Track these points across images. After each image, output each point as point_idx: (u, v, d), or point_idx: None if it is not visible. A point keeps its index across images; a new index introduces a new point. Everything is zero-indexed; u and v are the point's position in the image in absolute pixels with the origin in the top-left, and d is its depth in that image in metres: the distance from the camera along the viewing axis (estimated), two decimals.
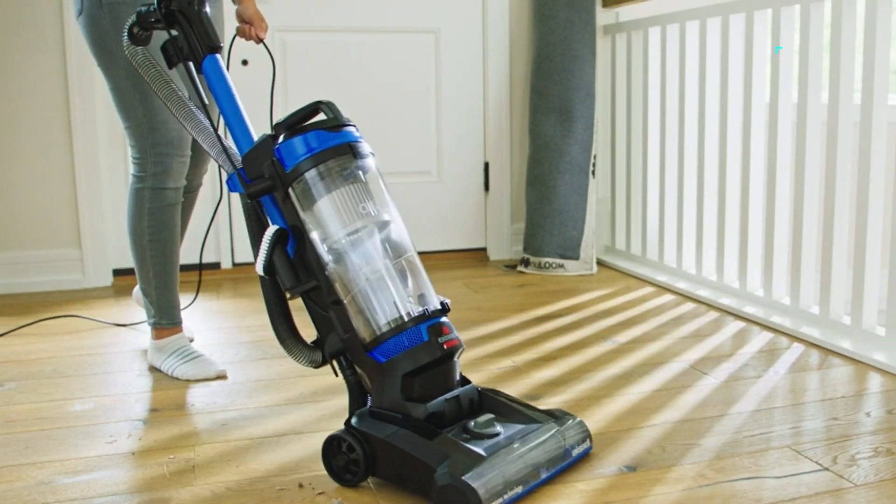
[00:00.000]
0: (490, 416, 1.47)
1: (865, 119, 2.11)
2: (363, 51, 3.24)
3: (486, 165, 3.42)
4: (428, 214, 3.39)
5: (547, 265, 3.18)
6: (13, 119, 2.91)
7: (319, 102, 1.53)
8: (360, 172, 1.51)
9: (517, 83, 3.41)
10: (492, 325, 2.45)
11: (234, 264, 3.22)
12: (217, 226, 3.17)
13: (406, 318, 1.46)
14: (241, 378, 2.02)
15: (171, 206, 2.05)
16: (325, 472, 1.49)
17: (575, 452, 1.50)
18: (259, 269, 1.49)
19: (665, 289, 2.90)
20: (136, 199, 2.03)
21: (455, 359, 1.51)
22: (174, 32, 1.66)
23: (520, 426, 1.48)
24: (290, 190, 1.49)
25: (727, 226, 2.69)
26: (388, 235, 1.52)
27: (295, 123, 1.52)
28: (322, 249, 1.48)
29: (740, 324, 2.44)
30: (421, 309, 1.48)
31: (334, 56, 3.21)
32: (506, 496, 1.33)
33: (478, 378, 1.99)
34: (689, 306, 2.66)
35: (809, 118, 2.32)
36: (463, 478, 1.29)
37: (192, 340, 2.30)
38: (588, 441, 1.54)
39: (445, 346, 1.46)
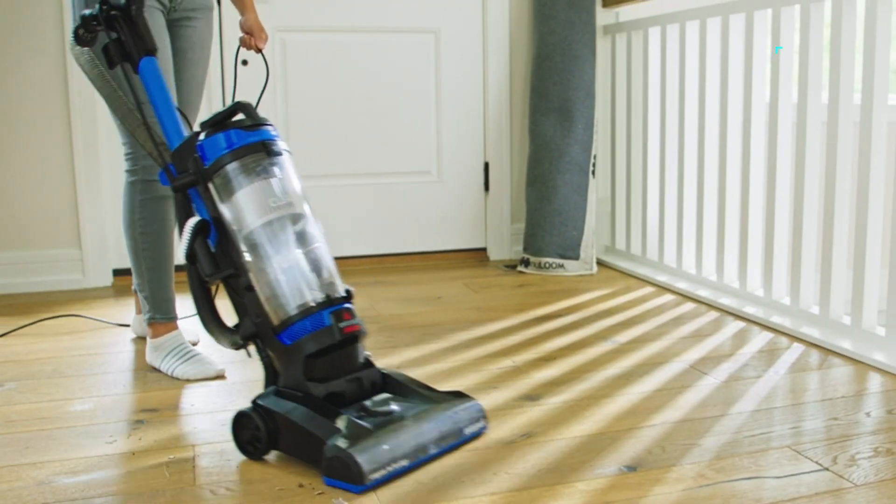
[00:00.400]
0: (387, 395, 1.59)
1: (865, 119, 2.11)
2: (363, 51, 3.24)
3: (486, 165, 3.42)
4: (428, 214, 3.39)
5: (547, 265, 3.18)
6: (13, 119, 2.92)
7: (238, 103, 1.64)
8: (275, 168, 1.62)
9: (517, 83, 3.41)
10: (492, 325, 2.46)
11: None
12: None
13: (311, 304, 1.56)
14: (241, 378, 2.02)
15: (162, 199, 2.08)
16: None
17: (467, 431, 1.60)
18: (183, 255, 1.61)
19: (665, 289, 2.90)
20: (129, 192, 2.08)
21: (358, 343, 1.60)
22: (114, 35, 1.76)
23: (416, 405, 1.58)
24: (209, 184, 1.61)
25: (727, 226, 2.69)
26: (299, 227, 1.62)
27: (217, 122, 1.63)
28: (238, 239, 1.59)
29: (740, 324, 2.44)
30: (324, 296, 1.58)
31: (334, 56, 3.21)
32: (390, 468, 1.44)
33: (477, 378, 2.00)
34: (689, 306, 2.66)
35: (809, 118, 2.32)
36: (349, 450, 1.40)
37: (196, 343, 2.30)
38: (482, 421, 1.64)
39: (345, 331, 1.56)
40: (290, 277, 1.57)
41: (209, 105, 3.10)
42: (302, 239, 1.61)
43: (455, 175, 3.40)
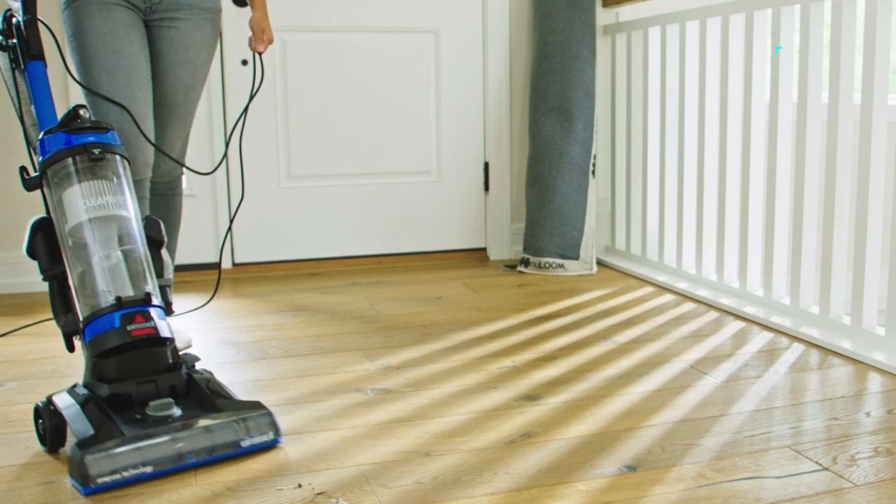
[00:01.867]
0: (169, 400, 1.58)
1: (865, 119, 2.11)
2: (363, 51, 3.24)
3: (486, 165, 3.42)
4: (428, 214, 3.39)
5: (547, 265, 3.18)
6: (13, 118, 2.91)
7: (77, 106, 1.71)
8: (104, 171, 1.68)
9: (517, 83, 3.41)
10: (491, 325, 2.46)
11: (234, 264, 3.22)
12: (217, 226, 3.17)
13: (106, 305, 1.58)
14: (241, 378, 2.02)
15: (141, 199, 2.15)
16: (325, 472, 1.50)
17: (247, 443, 1.58)
18: (24, 250, 1.68)
19: (665, 289, 2.90)
20: None
21: (157, 347, 1.60)
22: (14, 41, 1.86)
23: (198, 413, 1.58)
24: (43, 183, 1.68)
25: (727, 225, 2.69)
26: (115, 229, 1.65)
27: (63, 124, 1.70)
28: (61, 237, 1.64)
29: (740, 324, 2.44)
30: (116, 297, 1.59)
31: (334, 56, 3.21)
32: (125, 474, 1.45)
33: (477, 378, 2.00)
34: (688, 306, 2.66)
35: (809, 118, 2.32)
36: (83, 452, 1.43)
37: (188, 346, 2.30)
38: (272, 433, 1.61)
39: (133, 334, 1.56)
40: (97, 277, 1.60)
41: (209, 107, 3.10)
42: (121, 240, 1.65)
43: (455, 175, 3.40)
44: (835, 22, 2.19)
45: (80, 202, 1.63)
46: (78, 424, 1.50)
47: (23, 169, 1.71)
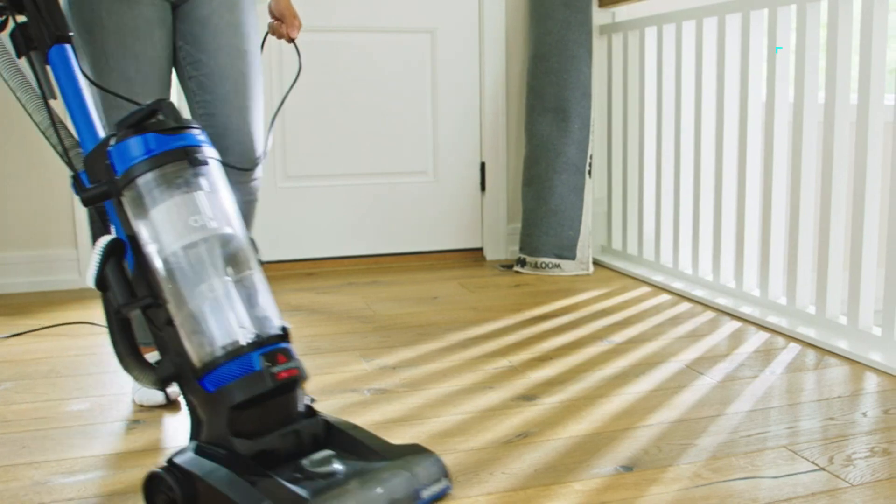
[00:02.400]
0: (328, 453, 1.33)
1: (862, 119, 2.12)
2: (359, 50, 3.23)
3: (483, 165, 3.42)
4: (424, 214, 3.39)
5: (543, 265, 3.18)
6: (9, 118, 2.91)
7: (160, 101, 1.39)
8: (200, 180, 1.39)
9: (513, 83, 3.41)
10: (488, 326, 2.45)
11: None
12: None
13: (237, 344, 1.33)
14: None
15: None
16: None
17: (425, 494, 1.33)
18: (89, 281, 1.37)
19: (661, 289, 2.90)
20: None
21: (296, 389, 1.37)
22: (22, 19, 1.52)
23: (363, 465, 1.34)
24: (122, 197, 1.37)
25: (723, 226, 2.70)
26: (228, 250, 1.39)
27: (134, 123, 1.39)
28: (157, 263, 1.35)
29: (736, 324, 2.44)
30: (254, 334, 1.35)
31: (330, 56, 3.21)
32: None
33: (473, 378, 1.99)
34: (685, 306, 2.66)
35: (806, 118, 2.32)
36: None
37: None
38: (445, 480, 1.37)
39: (279, 377, 1.32)
40: (216, 310, 1.33)
41: None
42: (231, 264, 1.38)
43: (451, 175, 3.40)
44: (831, 22, 2.19)
45: (178, 220, 1.34)
46: (238, 493, 1.22)
47: (75, 179, 1.42)
